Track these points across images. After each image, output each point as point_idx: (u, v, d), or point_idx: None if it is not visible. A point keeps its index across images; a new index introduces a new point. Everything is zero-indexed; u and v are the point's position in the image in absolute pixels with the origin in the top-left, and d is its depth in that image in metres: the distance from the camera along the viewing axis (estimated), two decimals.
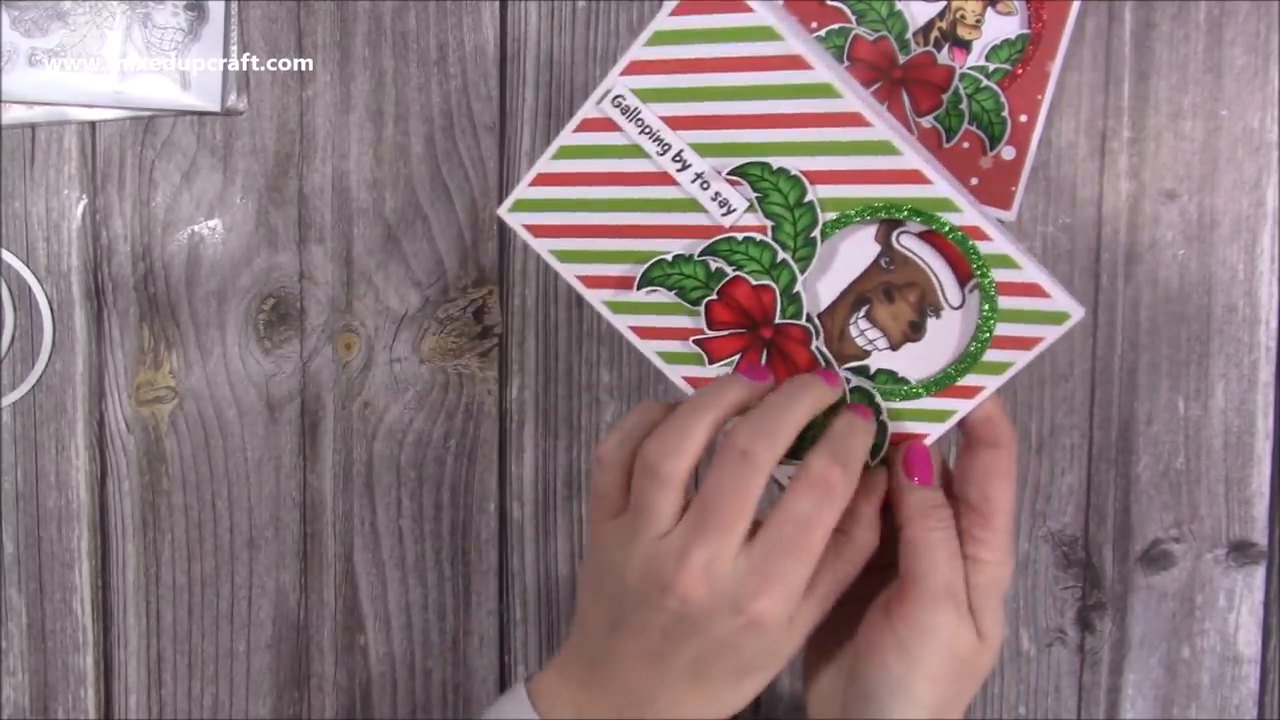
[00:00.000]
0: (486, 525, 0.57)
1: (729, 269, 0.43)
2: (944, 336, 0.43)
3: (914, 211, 0.41)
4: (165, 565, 0.56)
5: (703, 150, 0.42)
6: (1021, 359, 0.41)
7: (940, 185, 0.41)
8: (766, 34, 0.40)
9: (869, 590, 0.44)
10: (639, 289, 0.43)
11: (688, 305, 0.44)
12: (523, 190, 0.44)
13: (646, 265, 0.43)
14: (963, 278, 0.42)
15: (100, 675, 0.57)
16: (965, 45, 0.54)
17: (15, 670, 0.57)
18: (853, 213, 0.42)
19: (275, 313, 0.56)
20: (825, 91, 0.40)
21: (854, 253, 0.43)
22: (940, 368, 0.43)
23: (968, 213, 0.41)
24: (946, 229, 0.41)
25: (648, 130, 0.42)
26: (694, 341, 0.44)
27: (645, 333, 0.44)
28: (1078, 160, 0.55)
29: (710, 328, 0.44)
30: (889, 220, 0.42)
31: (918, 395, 0.43)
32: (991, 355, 0.42)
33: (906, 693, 0.41)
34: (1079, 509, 0.56)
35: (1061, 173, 0.55)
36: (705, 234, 0.43)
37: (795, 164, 0.41)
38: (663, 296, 0.44)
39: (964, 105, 0.54)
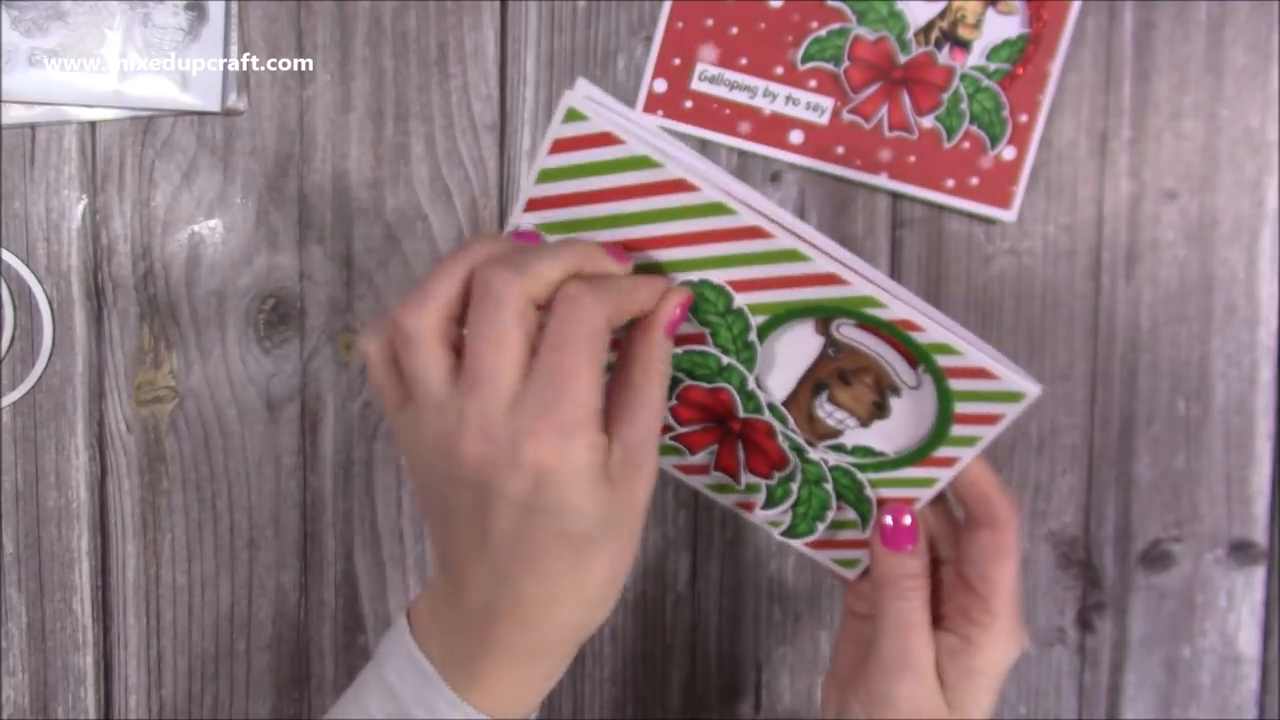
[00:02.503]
0: None
1: (682, 376, 0.43)
2: (912, 412, 0.42)
3: (843, 311, 0.40)
4: (165, 565, 0.56)
5: None
6: (988, 433, 0.41)
7: (859, 284, 0.40)
8: (644, 163, 0.39)
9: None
10: None
11: None
12: None
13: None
14: (911, 360, 0.42)
15: (100, 675, 0.57)
16: (965, 45, 0.54)
17: (15, 670, 0.57)
18: (783, 314, 0.41)
19: (275, 313, 0.56)
20: (718, 210, 0.39)
21: (798, 345, 0.43)
22: (914, 440, 0.43)
23: (894, 306, 0.40)
24: (879, 324, 0.40)
25: None
26: (671, 439, 0.44)
27: None
28: (1078, 160, 0.55)
29: (680, 425, 0.44)
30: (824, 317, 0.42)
31: (899, 465, 0.43)
32: (958, 430, 0.41)
33: None
34: (1079, 509, 0.57)
35: (1061, 173, 0.55)
36: None
37: (714, 276, 0.41)
38: None
39: (964, 105, 0.54)
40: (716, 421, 0.44)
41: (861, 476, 0.43)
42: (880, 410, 0.43)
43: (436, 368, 0.37)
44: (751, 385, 0.42)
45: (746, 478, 0.44)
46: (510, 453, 0.36)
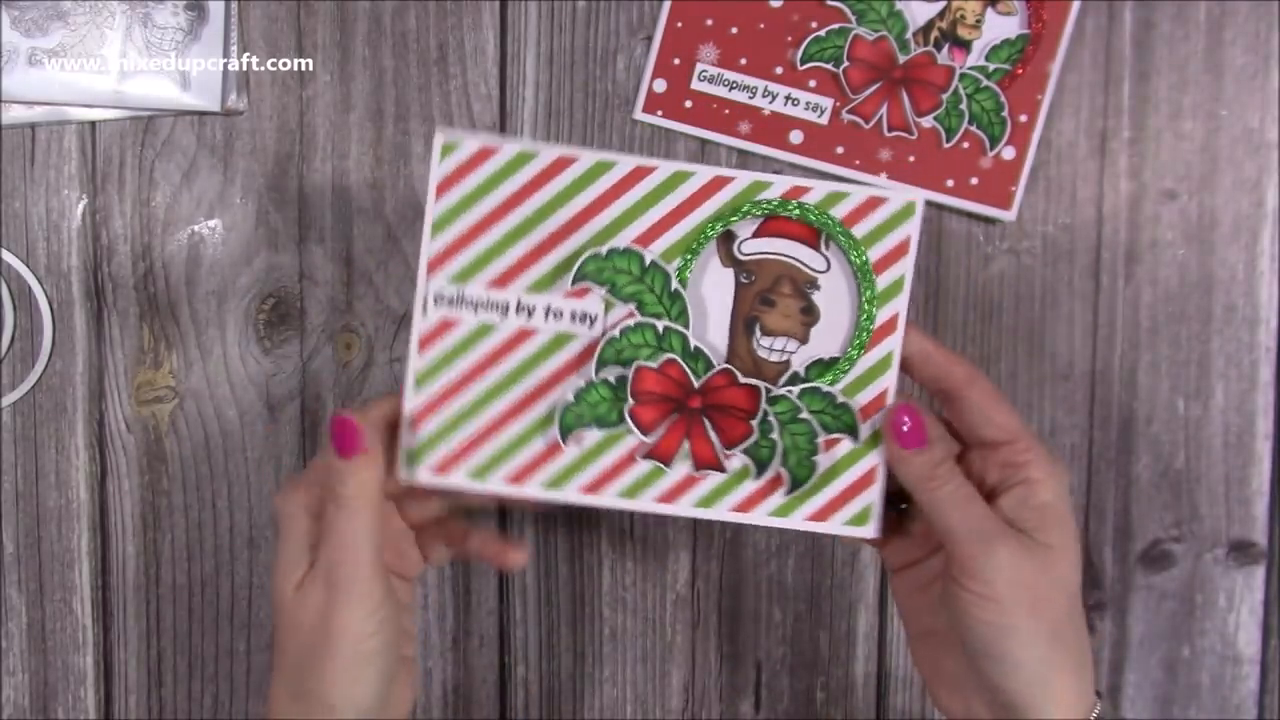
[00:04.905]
0: (487, 525, 0.57)
1: (626, 370, 0.43)
2: (836, 299, 0.44)
3: (739, 211, 0.43)
4: (165, 565, 0.56)
5: (539, 286, 0.43)
6: (906, 266, 0.43)
7: (742, 176, 0.43)
8: (524, 158, 0.43)
9: (921, 581, 0.45)
10: (565, 442, 0.43)
11: (616, 430, 0.43)
12: (408, 440, 0.44)
13: (559, 419, 0.43)
14: (812, 240, 0.44)
15: (100, 675, 0.57)
16: (965, 45, 0.54)
17: (15, 670, 0.57)
18: (693, 245, 0.43)
19: (275, 313, 0.56)
20: (601, 169, 0.43)
21: (717, 288, 0.44)
22: (851, 324, 0.44)
23: (777, 183, 0.43)
24: (774, 205, 0.43)
25: (481, 304, 0.43)
26: (642, 458, 0.44)
27: (595, 486, 0.44)
28: (1078, 160, 0.55)
29: (646, 433, 0.43)
30: (724, 240, 0.44)
31: (852, 361, 0.44)
32: (882, 281, 0.43)
33: (1014, 632, 0.41)
34: (1079, 509, 0.56)
35: (1061, 173, 0.55)
36: (589, 355, 0.43)
37: (621, 238, 0.43)
38: (590, 438, 0.44)
39: (964, 105, 0.54)
40: (677, 409, 0.43)
41: (828, 390, 0.43)
42: (809, 314, 0.44)
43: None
44: (694, 343, 0.43)
45: (730, 460, 0.44)
46: None
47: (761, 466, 0.44)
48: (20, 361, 0.55)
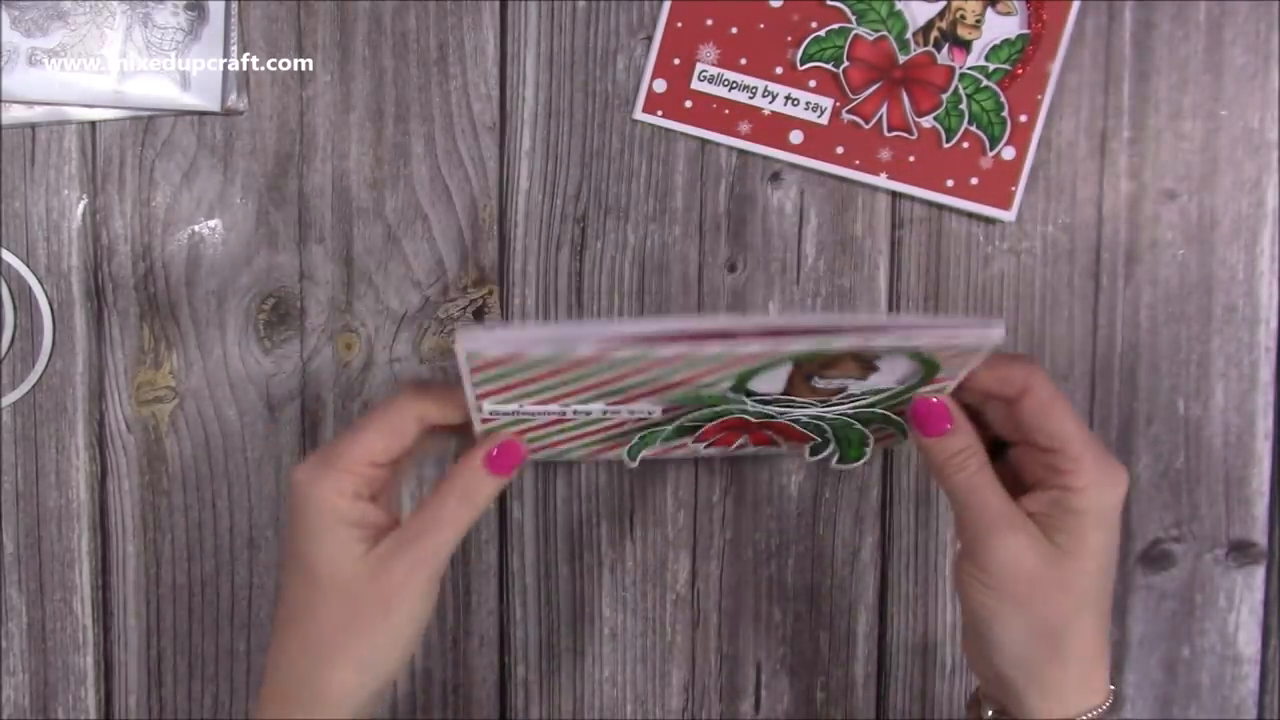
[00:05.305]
0: (486, 525, 0.57)
1: (687, 421, 0.44)
2: (897, 364, 0.42)
3: (809, 356, 0.40)
4: (165, 565, 0.56)
5: (590, 400, 0.42)
6: (974, 363, 0.41)
7: (799, 342, 0.37)
8: (557, 361, 0.38)
9: None
10: (633, 462, 0.47)
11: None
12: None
13: (627, 451, 0.46)
14: None
15: (100, 675, 0.57)
16: (965, 45, 0.54)
17: (15, 670, 0.57)
18: (755, 372, 0.40)
19: (275, 313, 0.56)
20: (639, 357, 0.38)
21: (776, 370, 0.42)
22: (915, 371, 0.42)
23: (848, 334, 0.37)
24: (843, 352, 0.39)
25: (535, 414, 0.43)
26: (706, 446, 0.47)
27: (659, 454, 0.48)
28: (1078, 160, 0.55)
29: (705, 439, 0.47)
30: None
31: (910, 390, 0.43)
32: (947, 365, 0.41)
33: (1000, 618, 0.42)
34: None
35: (1061, 173, 0.55)
36: (646, 423, 0.45)
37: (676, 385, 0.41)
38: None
39: (964, 105, 0.54)
40: (736, 428, 0.46)
41: (881, 411, 0.44)
42: (871, 368, 0.43)
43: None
44: (754, 407, 0.43)
45: (784, 444, 0.48)
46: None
47: (817, 450, 0.48)
48: (20, 361, 0.55)
